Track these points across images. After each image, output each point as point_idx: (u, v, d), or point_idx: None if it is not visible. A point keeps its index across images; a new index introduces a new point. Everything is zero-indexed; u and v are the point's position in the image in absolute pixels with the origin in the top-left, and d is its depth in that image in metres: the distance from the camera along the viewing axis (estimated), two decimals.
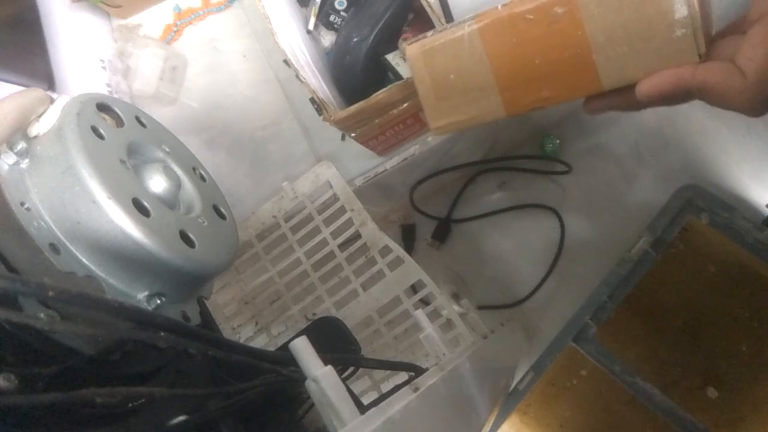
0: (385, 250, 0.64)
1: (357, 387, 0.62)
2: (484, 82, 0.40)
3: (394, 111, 0.59)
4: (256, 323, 0.69)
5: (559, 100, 0.40)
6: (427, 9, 0.54)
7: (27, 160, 0.33)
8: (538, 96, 0.40)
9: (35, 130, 0.34)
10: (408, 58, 0.42)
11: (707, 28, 0.35)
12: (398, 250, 0.63)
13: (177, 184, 0.39)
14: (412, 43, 0.42)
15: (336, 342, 0.50)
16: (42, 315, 0.25)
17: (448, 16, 0.71)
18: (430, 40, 0.41)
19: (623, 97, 0.38)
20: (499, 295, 0.88)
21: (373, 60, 0.65)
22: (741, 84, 0.33)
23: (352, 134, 0.61)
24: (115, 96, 0.72)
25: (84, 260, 0.32)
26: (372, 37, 0.63)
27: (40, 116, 0.35)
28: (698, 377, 0.73)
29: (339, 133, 0.74)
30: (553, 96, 0.39)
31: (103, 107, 0.38)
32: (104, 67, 0.77)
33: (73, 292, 0.20)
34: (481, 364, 0.53)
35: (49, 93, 0.36)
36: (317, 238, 0.67)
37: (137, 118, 0.41)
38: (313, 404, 0.30)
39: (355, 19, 0.65)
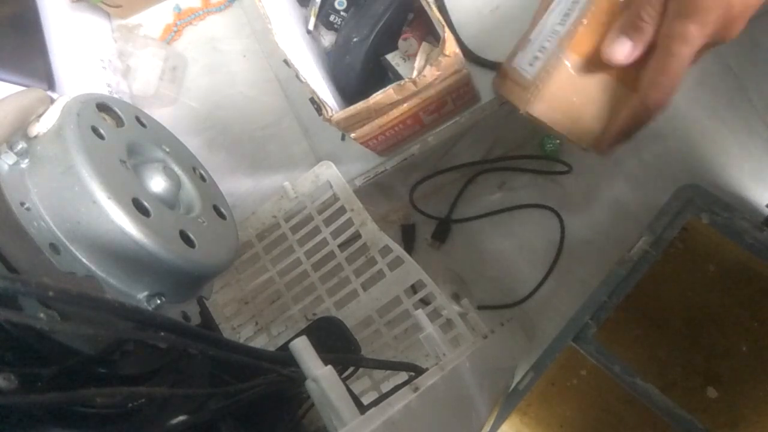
0: (385, 250, 0.63)
1: (357, 387, 0.62)
2: (600, 82, 0.42)
3: (394, 111, 0.59)
4: (256, 323, 0.69)
5: None
6: (427, 9, 0.54)
7: (27, 160, 0.33)
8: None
9: (35, 130, 0.34)
10: (541, 118, 0.43)
11: None
12: (398, 250, 0.63)
13: (177, 184, 0.39)
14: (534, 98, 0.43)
15: (336, 342, 0.50)
16: (42, 315, 0.25)
17: (445, 15, 0.71)
18: (546, 89, 0.42)
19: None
20: (499, 295, 0.88)
21: (372, 60, 0.65)
22: None
23: (352, 134, 0.61)
24: (115, 96, 0.72)
25: (84, 260, 0.32)
26: (372, 37, 0.63)
27: (40, 116, 0.35)
28: (698, 377, 0.72)
29: (339, 133, 0.74)
30: None
31: (103, 107, 0.38)
32: (104, 67, 0.77)
33: (73, 292, 0.20)
34: (481, 364, 0.53)
35: (49, 93, 0.36)
36: (317, 238, 0.67)
37: (137, 118, 0.41)
38: (313, 404, 0.30)
39: (355, 19, 0.65)
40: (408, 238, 0.91)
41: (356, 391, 0.60)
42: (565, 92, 0.42)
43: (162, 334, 0.23)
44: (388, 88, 0.54)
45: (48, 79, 0.68)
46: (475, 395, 0.47)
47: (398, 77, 0.64)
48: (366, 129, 0.60)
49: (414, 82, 0.53)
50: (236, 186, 0.76)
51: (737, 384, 0.71)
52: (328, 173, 0.67)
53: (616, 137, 0.44)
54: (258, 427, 0.38)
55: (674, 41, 0.37)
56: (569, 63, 0.42)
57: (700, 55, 0.39)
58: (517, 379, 0.78)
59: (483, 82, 0.69)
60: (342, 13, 0.68)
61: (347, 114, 0.54)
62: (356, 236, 0.65)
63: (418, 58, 0.63)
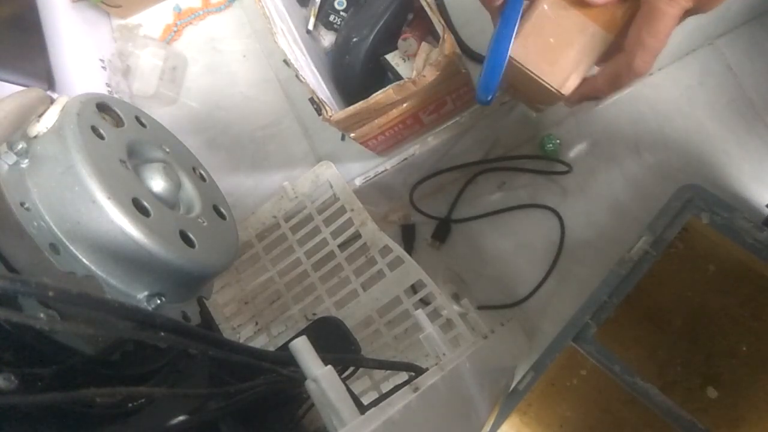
0: (385, 250, 0.63)
1: (357, 387, 0.62)
2: (578, 24, 0.42)
3: (394, 111, 0.59)
4: (256, 323, 0.69)
5: None
6: (427, 9, 0.54)
7: (27, 160, 0.33)
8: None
9: (35, 130, 0.34)
10: (517, 59, 0.43)
11: None
12: (398, 250, 0.63)
13: (177, 184, 0.39)
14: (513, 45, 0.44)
15: (336, 342, 0.50)
16: (42, 315, 0.25)
17: (445, 15, 0.71)
18: (522, 30, 0.43)
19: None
20: (499, 295, 0.88)
21: (372, 60, 0.65)
22: None
23: (352, 134, 0.61)
24: (115, 96, 0.72)
25: (84, 260, 0.32)
26: (371, 37, 0.63)
27: (40, 116, 0.35)
28: (698, 377, 0.72)
29: (339, 133, 0.74)
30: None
31: (103, 107, 0.38)
32: (104, 67, 0.77)
33: (73, 292, 0.20)
34: (481, 364, 0.53)
35: (49, 93, 0.36)
36: (317, 238, 0.67)
37: (137, 118, 0.41)
38: (313, 404, 0.30)
39: (355, 19, 0.65)
40: (408, 238, 0.91)
41: (356, 391, 0.60)
42: (541, 32, 0.43)
43: (162, 334, 0.23)
44: (387, 88, 0.54)
45: (48, 79, 0.68)
46: (475, 395, 0.47)
47: (398, 77, 0.64)
48: (366, 129, 0.60)
49: (414, 82, 0.53)
50: (236, 186, 0.76)
51: (737, 384, 0.71)
52: (328, 173, 0.67)
53: (590, 91, 0.44)
54: (258, 427, 0.38)
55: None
56: (546, 3, 0.42)
57: (680, 20, 0.39)
58: (517, 379, 0.78)
59: None
60: (342, 13, 0.68)
61: (347, 114, 0.54)
62: (356, 236, 0.65)
63: (417, 58, 0.63)
